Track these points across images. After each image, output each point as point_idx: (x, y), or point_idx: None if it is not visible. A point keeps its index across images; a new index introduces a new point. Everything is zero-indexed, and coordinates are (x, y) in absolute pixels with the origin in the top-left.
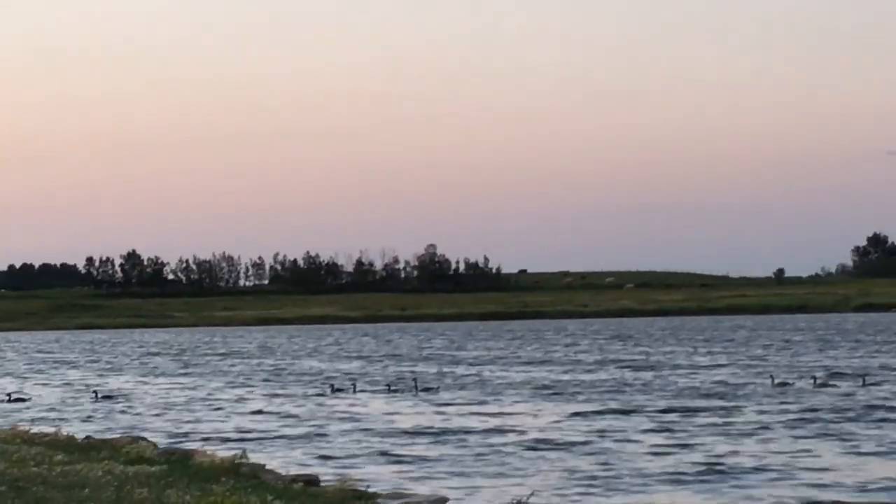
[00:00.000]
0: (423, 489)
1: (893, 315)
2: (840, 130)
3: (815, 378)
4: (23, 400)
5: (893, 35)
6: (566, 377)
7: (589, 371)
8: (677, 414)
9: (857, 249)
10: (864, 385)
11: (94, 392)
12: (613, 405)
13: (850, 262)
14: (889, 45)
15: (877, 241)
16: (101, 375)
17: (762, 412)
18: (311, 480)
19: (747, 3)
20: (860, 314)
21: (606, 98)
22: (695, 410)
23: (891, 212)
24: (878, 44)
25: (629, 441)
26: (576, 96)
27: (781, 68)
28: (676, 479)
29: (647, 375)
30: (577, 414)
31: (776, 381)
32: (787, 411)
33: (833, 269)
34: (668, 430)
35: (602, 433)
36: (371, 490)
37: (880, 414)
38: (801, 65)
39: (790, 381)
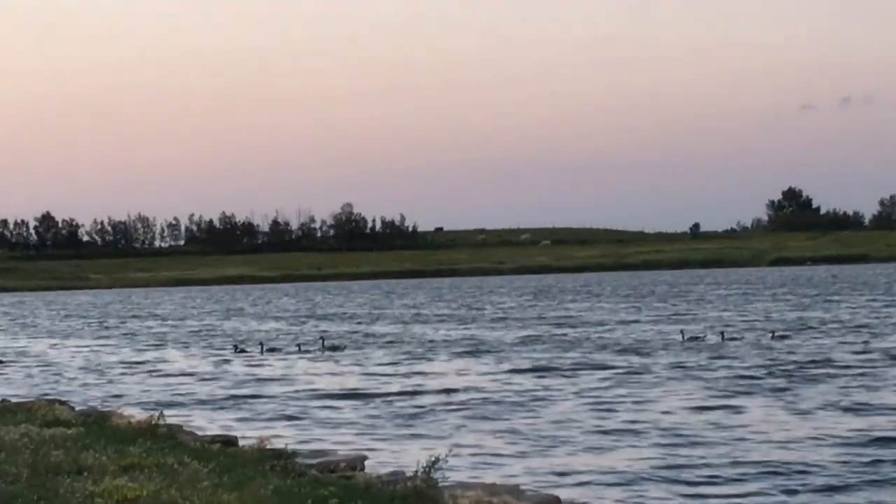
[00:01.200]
0: (342, 448)
1: (807, 268)
2: (754, 85)
3: (721, 334)
4: None
5: None
6: (487, 335)
7: (508, 329)
8: (597, 370)
9: (771, 204)
10: (773, 338)
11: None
12: (534, 363)
13: (765, 217)
14: None
15: (791, 194)
16: (13, 339)
17: (676, 366)
18: (230, 441)
19: None
20: (775, 268)
21: (517, 60)
22: (613, 367)
23: (805, 166)
24: None
25: (549, 399)
26: (489, 58)
27: (693, 23)
28: (598, 436)
29: (570, 332)
30: (498, 372)
31: (686, 336)
32: (698, 366)
33: (748, 224)
34: (589, 387)
35: (523, 391)
36: (290, 449)
37: (790, 368)
38: (712, 19)
39: (701, 336)
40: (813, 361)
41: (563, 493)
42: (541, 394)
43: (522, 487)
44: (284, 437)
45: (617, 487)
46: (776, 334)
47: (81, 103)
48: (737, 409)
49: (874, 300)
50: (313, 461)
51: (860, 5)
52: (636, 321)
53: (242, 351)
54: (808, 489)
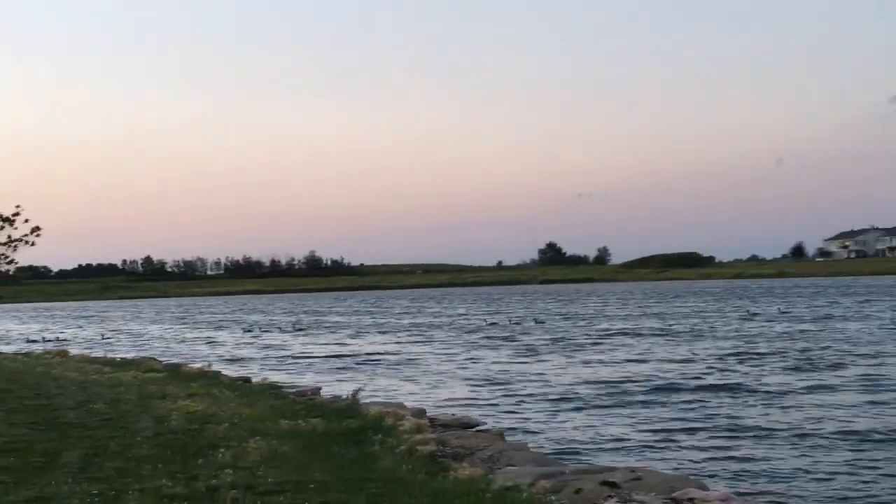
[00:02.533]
0: (307, 383)
1: (560, 285)
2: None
3: (510, 320)
4: (66, 340)
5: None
6: (393, 321)
7: (403, 318)
8: (452, 340)
9: (540, 250)
10: (537, 323)
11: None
12: (421, 337)
13: (536, 257)
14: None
15: (551, 245)
16: (128, 324)
17: (486, 337)
18: (247, 380)
19: None
20: (541, 286)
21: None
22: (453, 338)
23: (560, 227)
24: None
25: (431, 355)
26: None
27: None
28: (460, 381)
29: (444, 320)
30: (399, 342)
31: (488, 322)
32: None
33: (528, 261)
34: (453, 352)
35: (413, 354)
36: (278, 384)
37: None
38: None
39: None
40: (563, 338)
41: (429, 410)
42: (424, 356)
43: (407, 405)
44: (276, 377)
45: (464, 407)
46: (536, 321)
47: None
48: (524, 362)
49: (596, 302)
50: (292, 390)
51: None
52: (466, 314)
53: (248, 331)
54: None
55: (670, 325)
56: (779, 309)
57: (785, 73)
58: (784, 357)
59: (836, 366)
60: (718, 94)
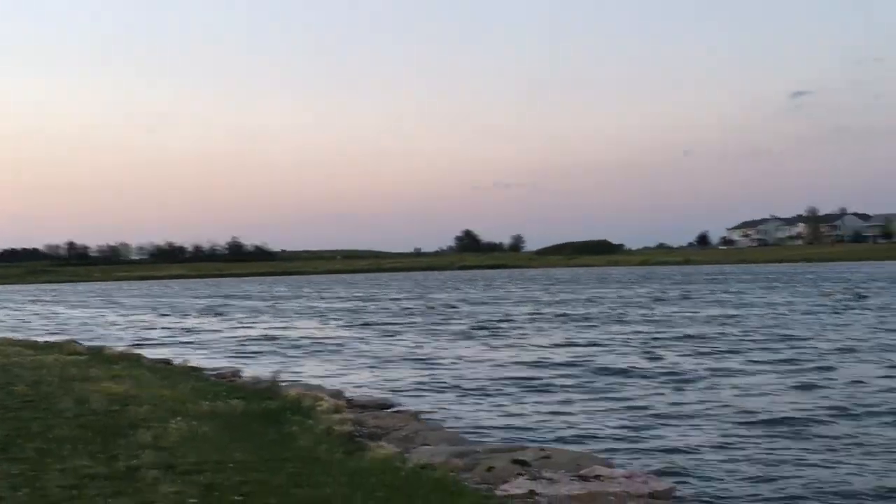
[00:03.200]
0: (226, 365)
1: (477, 271)
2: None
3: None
4: None
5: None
6: (316, 304)
7: (328, 301)
8: (377, 326)
9: (457, 237)
10: (449, 308)
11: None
12: (348, 323)
13: (453, 244)
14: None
15: (467, 233)
16: (45, 306)
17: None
18: (168, 362)
19: None
20: (459, 271)
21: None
22: (378, 324)
23: (476, 217)
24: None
25: (352, 338)
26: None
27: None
28: (377, 360)
29: (371, 305)
30: (322, 327)
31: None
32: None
33: (445, 247)
34: (370, 335)
35: (334, 337)
36: (199, 367)
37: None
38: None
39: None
40: (483, 323)
41: (348, 392)
42: (345, 339)
43: (326, 387)
44: (197, 360)
45: (383, 390)
46: (450, 305)
47: None
48: (444, 346)
49: (513, 288)
50: (213, 373)
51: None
52: (385, 299)
53: (169, 315)
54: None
55: (584, 310)
56: (679, 294)
57: (693, 67)
58: (693, 341)
59: (743, 349)
60: (629, 87)
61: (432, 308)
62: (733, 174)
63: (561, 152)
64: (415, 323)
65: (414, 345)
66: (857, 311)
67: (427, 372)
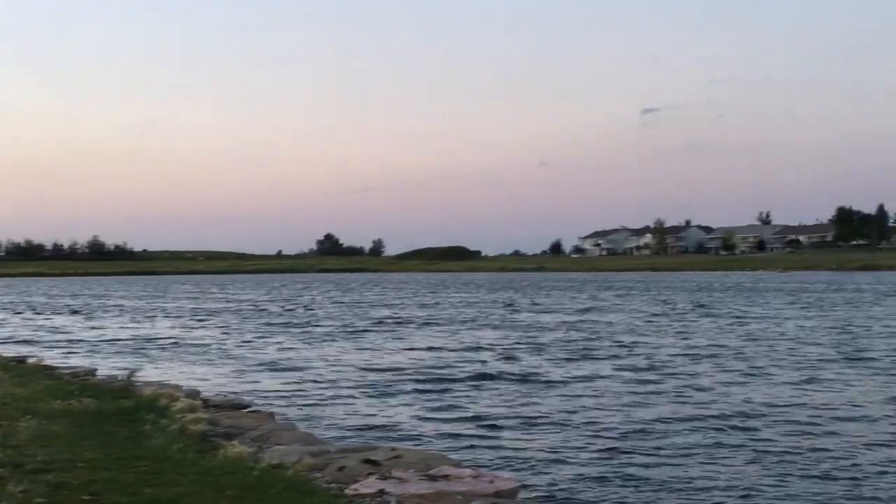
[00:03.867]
0: (82, 364)
1: (343, 275)
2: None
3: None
4: None
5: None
6: (170, 305)
7: (186, 303)
8: (252, 324)
9: (319, 241)
10: (308, 311)
11: None
12: (204, 324)
13: (315, 247)
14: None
15: (329, 236)
16: None
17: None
18: (22, 360)
19: None
20: (320, 274)
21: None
22: (268, 323)
23: (336, 219)
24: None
25: (211, 338)
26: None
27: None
28: (238, 362)
29: (231, 305)
30: (179, 326)
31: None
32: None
33: (307, 250)
34: (228, 333)
35: (194, 337)
36: (54, 365)
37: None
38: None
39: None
40: (344, 325)
41: (205, 392)
42: (204, 339)
43: (182, 387)
44: (52, 358)
45: (240, 390)
46: (307, 308)
47: None
48: (303, 347)
49: (374, 291)
50: (67, 371)
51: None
52: (247, 300)
53: (20, 313)
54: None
55: (444, 314)
56: (532, 300)
57: (552, 81)
58: (549, 346)
59: (599, 356)
60: (489, 98)
61: (292, 310)
62: (586, 185)
63: (423, 160)
64: (277, 324)
65: (275, 346)
66: (697, 318)
67: (285, 373)
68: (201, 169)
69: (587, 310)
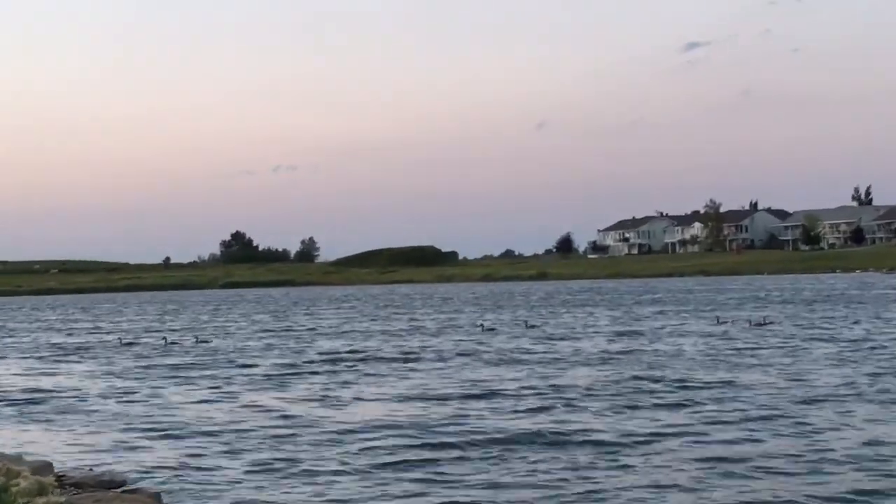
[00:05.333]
0: None
1: (251, 290)
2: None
3: (196, 338)
4: None
5: None
6: (23, 340)
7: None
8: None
9: (223, 243)
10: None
11: None
12: (66, 360)
13: (218, 252)
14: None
15: (237, 236)
16: None
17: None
18: None
19: None
20: (224, 290)
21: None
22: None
23: (247, 216)
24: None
25: (73, 386)
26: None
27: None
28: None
29: (90, 336)
30: (27, 369)
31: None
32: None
33: (206, 257)
34: (99, 378)
35: (48, 385)
36: None
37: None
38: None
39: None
40: (260, 365)
41: (60, 463)
42: (63, 387)
43: (28, 457)
44: None
45: (111, 460)
46: (198, 339)
47: None
48: (204, 398)
49: (309, 315)
50: None
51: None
52: (120, 331)
53: None
54: None
55: (412, 344)
56: (527, 322)
57: (548, 8)
58: (591, 390)
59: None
60: (466, 41)
61: (189, 343)
62: (605, 155)
63: (370, 125)
64: (163, 366)
65: (162, 397)
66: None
67: (180, 437)
68: (54, 150)
69: (625, 334)
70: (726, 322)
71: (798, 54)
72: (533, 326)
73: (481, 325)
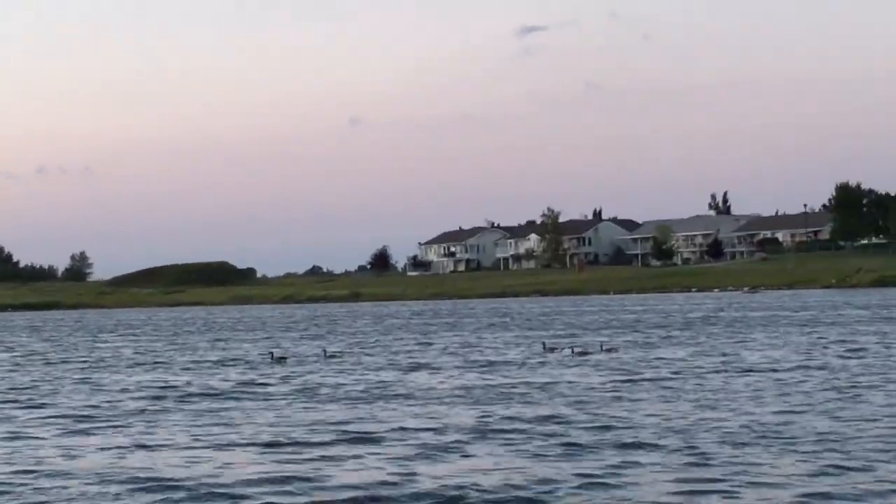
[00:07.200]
0: None
1: (23, 313)
2: None
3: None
4: None
5: None
6: None
7: None
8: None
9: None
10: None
11: None
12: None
13: None
14: None
15: None
16: None
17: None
18: None
19: None
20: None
21: None
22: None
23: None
24: None
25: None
26: None
27: None
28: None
29: None
30: None
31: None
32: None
33: None
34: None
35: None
36: None
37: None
38: None
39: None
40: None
41: None
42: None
43: None
44: None
45: None
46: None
47: None
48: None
49: (91, 341)
50: None
51: None
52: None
53: None
54: None
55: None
56: (325, 350)
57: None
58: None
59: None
60: (263, 21)
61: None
62: (427, 157)
63: (154, 120)
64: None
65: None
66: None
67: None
68: None
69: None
70: (554, 350)
71: (648, 41)
72: (333, 356)
73: (271, 353)
